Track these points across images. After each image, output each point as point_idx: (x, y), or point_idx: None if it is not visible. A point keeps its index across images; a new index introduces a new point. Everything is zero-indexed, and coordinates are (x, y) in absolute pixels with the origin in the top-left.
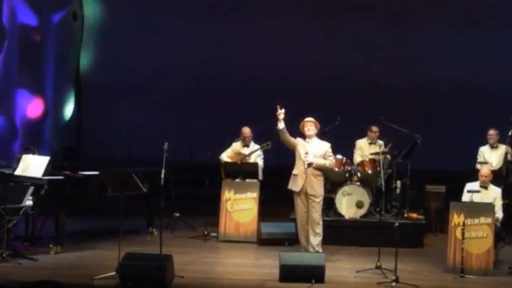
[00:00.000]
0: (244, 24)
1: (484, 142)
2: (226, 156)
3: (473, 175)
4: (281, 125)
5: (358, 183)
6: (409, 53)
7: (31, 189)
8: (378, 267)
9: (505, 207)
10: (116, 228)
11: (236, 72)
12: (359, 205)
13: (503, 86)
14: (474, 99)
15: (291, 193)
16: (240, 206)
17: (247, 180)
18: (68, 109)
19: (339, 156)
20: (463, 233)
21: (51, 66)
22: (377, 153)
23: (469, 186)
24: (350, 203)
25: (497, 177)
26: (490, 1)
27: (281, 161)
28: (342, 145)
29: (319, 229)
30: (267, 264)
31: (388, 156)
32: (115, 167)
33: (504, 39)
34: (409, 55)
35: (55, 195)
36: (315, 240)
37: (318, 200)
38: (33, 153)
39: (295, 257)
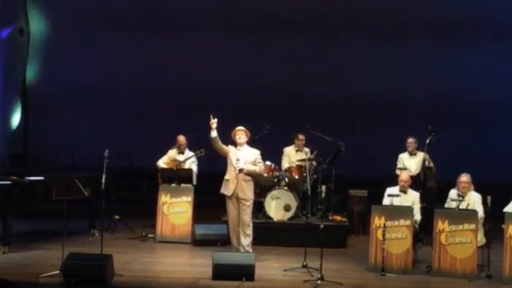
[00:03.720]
0: (179, 39)
1: (403, 149)
2: (162, 162)
3: (393, 180)
4: (214, 133)
5: (285, 188)
6: (333, 66)
7: None
8: (304, 266)
9: (423, 210)
10: (60, 229)
11: (171, 84)
12: (287, 208)
13: (421, 97)
14: (393, 109)
15: (223, 197)
16: (176, 209)
17: (182, 185)
18: (15, 119)
19: (268, 163)
20: (383, 234)
21: None
22: (303, 160)
23: (389, 190)
24: (278, 206)
25: (416, 182)
26: (408, 19)
27: (213, 167)
28: (271, 152)
29: (249, 231)
30: (201, 263)
31: (314, 163)
32: (59, 172)
33: (421, 53)
34: (333, 68)
35: (3, 198)
36: (246, 241)
37: (248, 203)
38: None
39: (227, 256)
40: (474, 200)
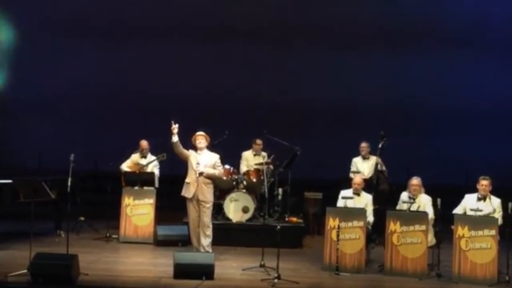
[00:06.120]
0: (141, 48)
1: (356, 153)
2: (126, 166)
3: (347, 183)
4: (175, 138)
5: (244, 190)
6: (289, 73)
7: None
8: (262, 266)
9: (375, 212)
10: (28, 230)
11: (134, 91)
12: (245, 210)
13: (374, 104)
14: (347, 115)
15: (184, 199)
16: (139, 211)
17: (145, 188)
18: None
19: (227, 166)
20: (338, 235)
21: None
22: (261, 164)
23: (343, 193)
24: (237, 208)
25: (369, 185)
26: (362, 28)
27: (175, 170)
28: (230, 156)
29: (209, 232)
30: (162, 263)
31: (271, 166)
32: (26, 176)
33: (374, 61)
34: (289, 76)
35: None
36: (206, 241)
37: (208, 205)
38: None
39: (187, 256)
40: (424, 202)
